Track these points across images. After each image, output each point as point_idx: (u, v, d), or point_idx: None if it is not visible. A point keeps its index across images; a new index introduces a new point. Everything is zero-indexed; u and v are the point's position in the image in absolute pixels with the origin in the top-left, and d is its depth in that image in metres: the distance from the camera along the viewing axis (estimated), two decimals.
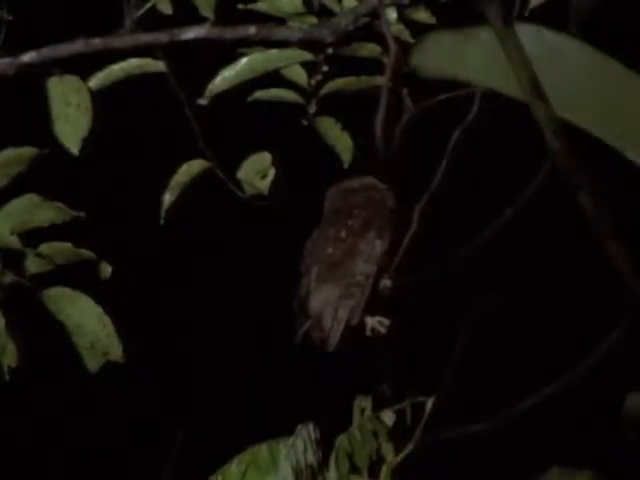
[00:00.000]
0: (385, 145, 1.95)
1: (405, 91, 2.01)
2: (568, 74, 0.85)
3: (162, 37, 1.89)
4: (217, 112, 1.99)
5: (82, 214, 1.95)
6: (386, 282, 1.93)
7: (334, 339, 1.92)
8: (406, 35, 1.93)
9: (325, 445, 1.79)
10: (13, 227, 1.97)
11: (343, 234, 1.93)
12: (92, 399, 2.78)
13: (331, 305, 1.91)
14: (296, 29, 1.88)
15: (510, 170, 2.40)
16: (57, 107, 1.96)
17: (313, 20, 1.91)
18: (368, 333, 1.93)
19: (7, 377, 1.99)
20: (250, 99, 2.07)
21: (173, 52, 1.95)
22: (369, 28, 1.92)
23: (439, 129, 2.04)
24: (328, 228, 1.95)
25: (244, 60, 1.95)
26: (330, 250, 1.93)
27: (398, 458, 1.85)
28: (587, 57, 0.84)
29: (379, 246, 1.92)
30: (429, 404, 1.88)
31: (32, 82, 1.96)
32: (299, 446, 1.76)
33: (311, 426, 1.79)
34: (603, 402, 2.16)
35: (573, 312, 2.71)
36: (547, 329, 2.80)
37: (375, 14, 1.87)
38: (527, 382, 2.25)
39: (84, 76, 1.97)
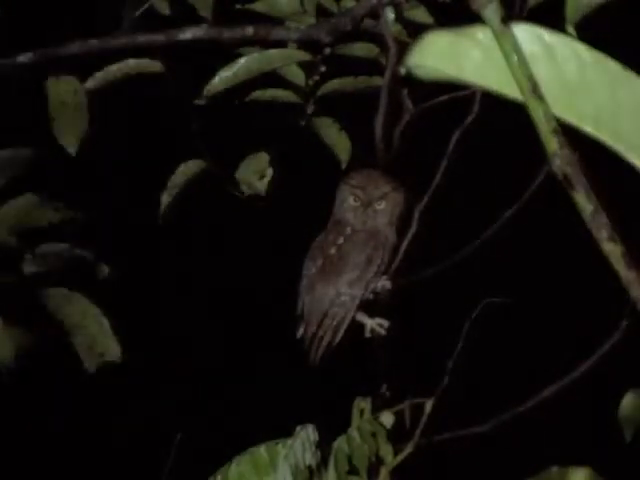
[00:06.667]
0: (385, 145, 1.94)
1: (405, 91, 2.01)
2: (566, 74, 0.84)
3: (159, 37, 1.88)
4: (215, 112, 1.98)
5: (79, 214, 1.95)
6: (385, 283, 1.93)
7: (315, 357, 1.92)
8: (404, 35, 1.93)
9: (324, 446, 1.78)
10: (11, 227, 1.96)
11: (341, 240, 1.92)
12: (90, 400, 2.78)
13: (315, 319, 1.92)
14: (294, 29, 1.87)
15: (510, 170, 2.40)
16: (54, 107, 1.95)
17: (311, 20, 1.91)
18: (367, 334, 1.92)
19: (4, 377, 1.99)
20: (248, 99, 2.07)
21: (171, 52, 1.94)
22: (367, 28, 1.92)
23: (439, 129, 2.03)
24: (329, 232, 1.95)
25: (242, 60, 1.94)
26: (323, 257, 1.92)
27: (397, 459, 1.84)
28: (585, 57, 0.84)
29: (370, 269, 1.91)
30: (428, 405, 1.88)
31: (30, 83, 1.96)
32: (298, 447, 1.75)
33: (310, 427, 1.78)
34: (603, 402, 2.16)
35: (573, 313, 2.71)
36: (547, 330, 2.80)
37: (373, 14, 1.87)
38: (527, 382, 2.24)
39: (82, 77, 1.97)
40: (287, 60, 1.98)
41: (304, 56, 1.98)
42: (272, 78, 2.03)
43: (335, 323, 1.91)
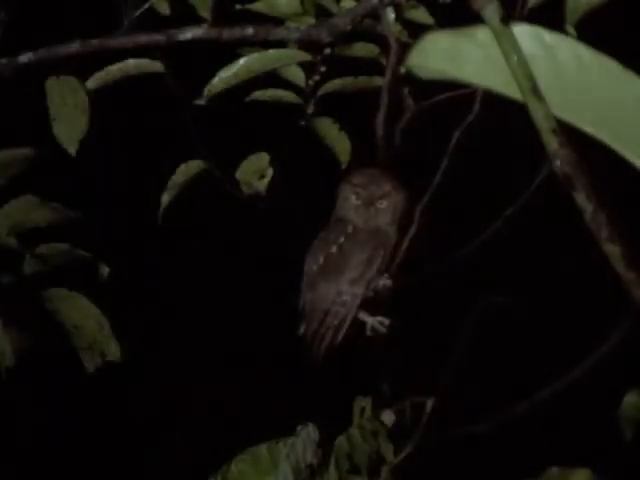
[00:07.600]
0: (386, 144, 1.94)
1: (406, 90, 2.01)
2: (566, 74, 0.84)
3: (159, 38, 1.88)
4: (215, 113, 1.98)
5: (79, 215, 1.95)
6: (386, 282, 1.93)
7: (316, 356, 1.92)
8: (404, 35, 1.93)
9: (325, 445, 1.78)
10: (11, 228, 1.97)
11: (342, 239, 1.92)
12: (90, 400, 2.78)
13: (316, 317, 1.92)
14: (294, 30, 1.87)
15: (510, 169, 2.40)
16: (55, 108, 1.95)
17: (311, 21, 1.91)
18: (368, 333, 1.93)
19: (4, 377, 1.99)
20: (248, 99, 2.06)
21: (171, 53, 1.94)
22: (367, 28, 1.92)
23: (439, 129, 2.03)
24: (330, 230, 1.95)
25: (242, 61, 1.94)
26: (324, 256, 1.92)
27: (398, 458, 1.84)
28: (585, 57, 0.84)
29: (372, 268, 1.91)
30: (429, 404, 1.88)
31: (30, 83, 1.96)
32: (299, 446, 1.75)
33: (311, 426, 1.78)
34: (603, 402, 2.16)
35: (573, 312, 2.71)
36: (547, 329, 2.80)
37: (373, 14, 1.87)
38: (527, 382, 2.24)
39: (82, 77, 1.97)
40: (287, 60, 1.98)
41: (304, 56, 1.98)
42: (272, 78, 2.03)
43: (336, 322, 1.91)
